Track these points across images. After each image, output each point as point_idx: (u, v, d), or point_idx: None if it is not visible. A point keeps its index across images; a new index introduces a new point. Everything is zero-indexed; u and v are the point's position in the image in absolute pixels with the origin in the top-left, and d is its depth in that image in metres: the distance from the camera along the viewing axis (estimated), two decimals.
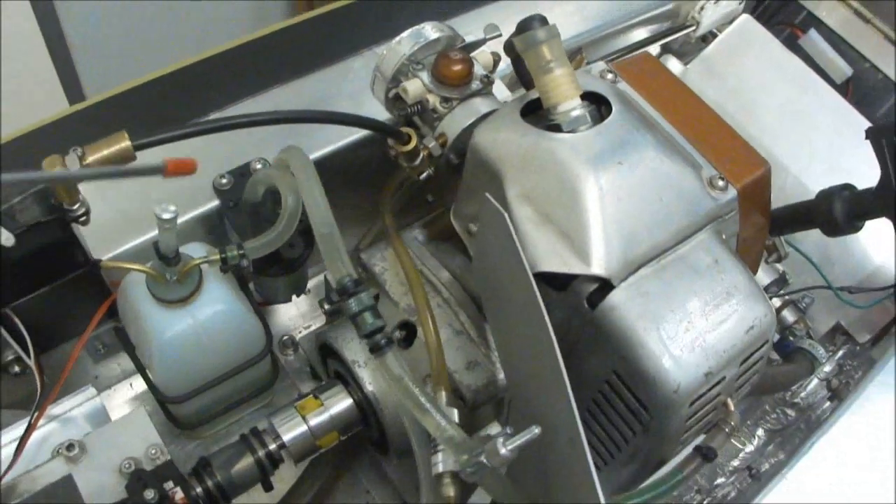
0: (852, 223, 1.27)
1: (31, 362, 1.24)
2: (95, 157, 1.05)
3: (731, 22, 1.85)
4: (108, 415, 1.29)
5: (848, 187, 1.28)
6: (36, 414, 1.21)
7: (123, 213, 1.26)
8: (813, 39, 1.96)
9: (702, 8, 1.84)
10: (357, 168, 1.39)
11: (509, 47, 1.23)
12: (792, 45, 1.93)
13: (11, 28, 2.76)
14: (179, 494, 1.07)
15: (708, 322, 1.07)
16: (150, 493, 1.04)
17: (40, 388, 1.24)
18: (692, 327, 1.06)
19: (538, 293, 0.97)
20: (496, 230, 1.04)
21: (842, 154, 1.36)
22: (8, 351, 1.36)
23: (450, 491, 1.03)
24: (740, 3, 1.88)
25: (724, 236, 1.16)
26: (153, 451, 1.11)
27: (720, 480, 1.49)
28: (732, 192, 1.16)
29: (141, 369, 1.29)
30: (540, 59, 1.14)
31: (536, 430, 0.91)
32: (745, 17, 1.86)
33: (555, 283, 1.08)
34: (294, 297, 1.41)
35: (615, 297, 1.07)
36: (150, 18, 3.12)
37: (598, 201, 1.07)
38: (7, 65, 2.76)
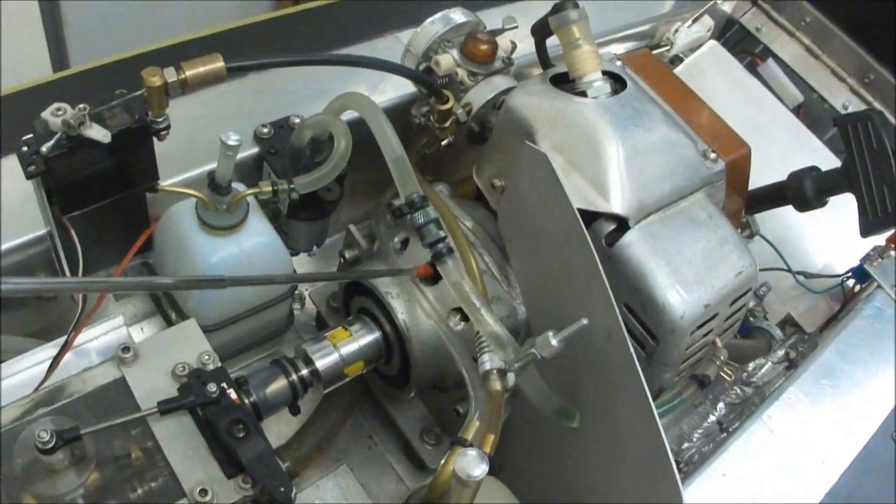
0: (820, 198, 1.47)
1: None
2: (192, 73, 1.16)
3: (698, 46, 2.04)
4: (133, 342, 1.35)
5: (815, 168, 1.48)
6: (74, 332, 1.28)
7: (166, 150, 1.32)
8: (770, 68, 2.18)
9: (676, 30, 2.03)
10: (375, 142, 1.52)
11: (537, 29, 1.42)
12: (752, 71, 2.14)
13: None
14: (234, 395, 1.14)
15: (706, 263, 1.25)
16: (212, 387, 1.11)
17: (82, 306, 1.30)
18: (694, 266, 1.24)
19: (577, 213, 1.11)
20: (536, 170, 1.18)
21: (794, 164, 1.53)
22: (41, 274, 1.44)
23: (497, 385, 1.14)
24: (708, 31, 2.08)
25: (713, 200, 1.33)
26: (206, 357, 1.17)
27: (686, 445, 1.63)
28: (721, 165, 1.35)
29: (172, 302, 1.40)
30: (571, 36, 1.33)
31: (584, 321, 1.05)
32: (713, 42, 2.06)
33: None
34: (315, 247, 1.51)
35: (630, 236, 1.23)
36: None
37: (618, 154, 1.25)
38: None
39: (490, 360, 1.15)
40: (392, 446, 1.56)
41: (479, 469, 0.92)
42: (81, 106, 1.13)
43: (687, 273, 1.22)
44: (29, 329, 1.50)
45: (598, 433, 1.17)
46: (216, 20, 1.85)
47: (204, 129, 1.47)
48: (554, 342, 1.06)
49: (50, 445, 1.01)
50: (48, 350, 1.30)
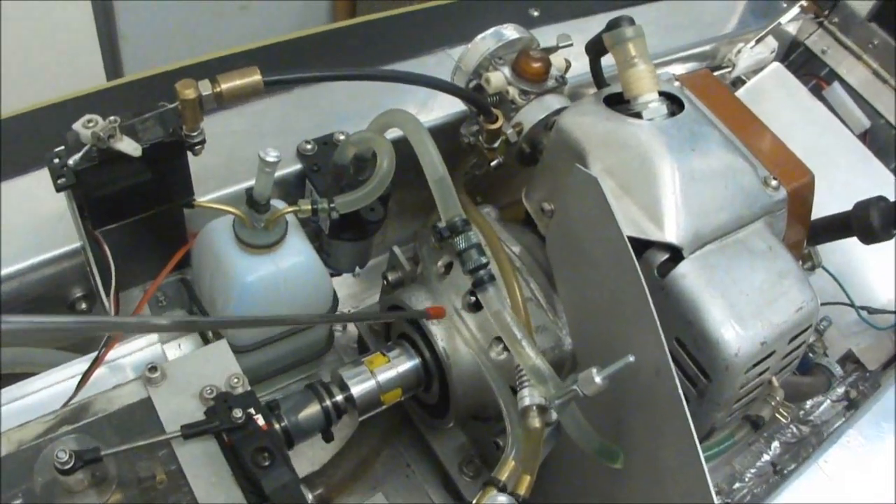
0: (887, 230, 1.39)
1: (111, 294, 1.26)
2: (227, 86, 1.12)
3: (761, 69, 1.97)
4: (167, 360, 1.31)
5: (883, 199, 1.40)
6: (104, 348, 1.25)
7: (205, 165, 1.29)
8: (836, 92, 2.09)
9: (738, 51, 1.96)
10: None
11: (591, 46, 1.37)
12: (817, 95, 2.06)
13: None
14: (262, 421, 1.09)
15: (764, 297, 1.18)
16: (237, 413, 1.07)
17: None
18: (751, 300, 1.17)
19: (628, 241, 1.05)
20: (586, 194, 1.13)
21: (860, 193, 1.46)
22: (76, 287, 1.42)
23: (536, 423, 1.09)
24: (772, 53, 2.01)
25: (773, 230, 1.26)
26: (235, 381, 1.13)
27: (738, 485, 1.56)
28: (783, 193, 1.28)
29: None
30: (627, 54, 1.27)
31: (630, 358, 0.99)
32: (777, 64, 1.98)
33: None
34: (357, 268, 1.47)
35: (684, 267, 1.17)
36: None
37: (673, 179, 1.18)
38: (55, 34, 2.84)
39: (530, 396, 1.10)
40: (430, 476, 1.51)
41: None
42: (112, 118, 1.10)
43: (743, 307, 1.16)
44: (66, 342, 1.46)
45: (641, 475, 1.10)
46: (272, 32, 1.82)
47: (246, 145, 1.44)
48: (598, 379, 1.00)
49: (69, 466, 0.98)
50: (81, 365, 1.27)
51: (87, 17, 2.89)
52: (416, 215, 1.66)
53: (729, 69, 1.98)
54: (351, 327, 1.59)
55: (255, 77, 1.15)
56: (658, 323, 1.00)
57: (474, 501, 1.03)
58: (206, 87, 1.12)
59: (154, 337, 1.34)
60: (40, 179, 1.34)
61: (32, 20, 2.78)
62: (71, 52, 2.91)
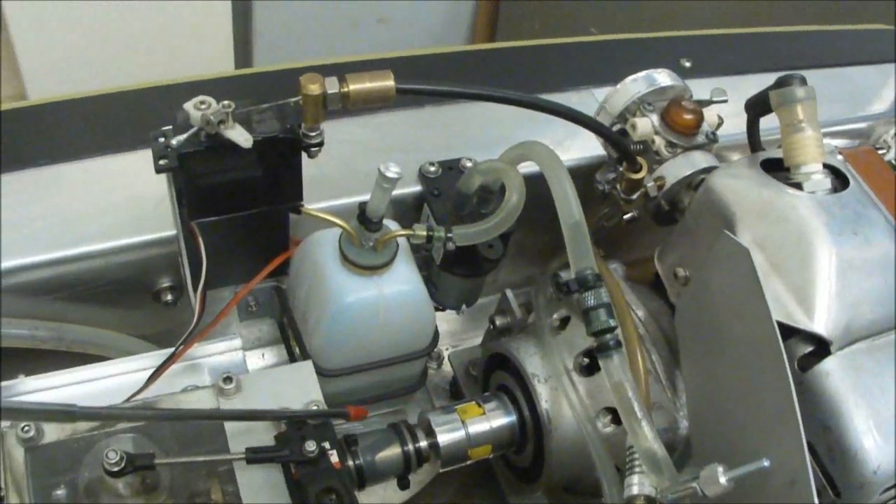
0: None
1: (199, 290, 1.19)
2: (356, 87, 1.03)
3: None
4: (246, 369, 1.24)
5: None
6: (182, 346, 1.18)
7: (318, 171, 1.23)
8: None
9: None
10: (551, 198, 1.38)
11: (753, 104, 1.26)
12: None
13: None
14: (335, 458, 1.00)
15: None
16: (310, 445, 0.98)
17: (196, 320, 1.20)
18: None
19: (776, 325, 0.93)
20: (733, 266, 1.02)
21: None
22: (164, 277, 1.35)
23: None
24: None
25: None
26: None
27: None
28: None
29: (297, 335, 1.27)
30: (793, 116, 1.16)
31: (765, 462, 0.87)
32: None
33: None
34: (465, 306, 1.37)
35: (829, 364, 1.04)
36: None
37: (831, 264, 1.07)
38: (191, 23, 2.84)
39: (639, 484, 0.99)
40: None
41: None
42: (226, 102, 1.02)
43: (889, 419, 1.02)
44: (145, 331, 1.42)
45: None
46: (408, 49, 1.77)
47: (365, 156, 1.37)
48: (723, 480, 0.88)
49: (118, 469, 0.92)
50: (153, 359, 1.21)
51: (225, 14, 2.89)
52: (533, 260, 1.57)
53: (884, 151, 1.83)
54: (447, 367, 1.49)
55: (388, 82, 1.06)
56: (801, 427, 0.88)
57: None
58: (332, 85, 1.03)
59: (237, 342, 1.27)
60: (145, 159, 1.30)
61: (173, 6, 2.79)
62: (204, 44, 2.92)
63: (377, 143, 1.42)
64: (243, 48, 3.03)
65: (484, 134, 1.46)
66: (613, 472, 1.08)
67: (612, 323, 1.04)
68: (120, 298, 1.35)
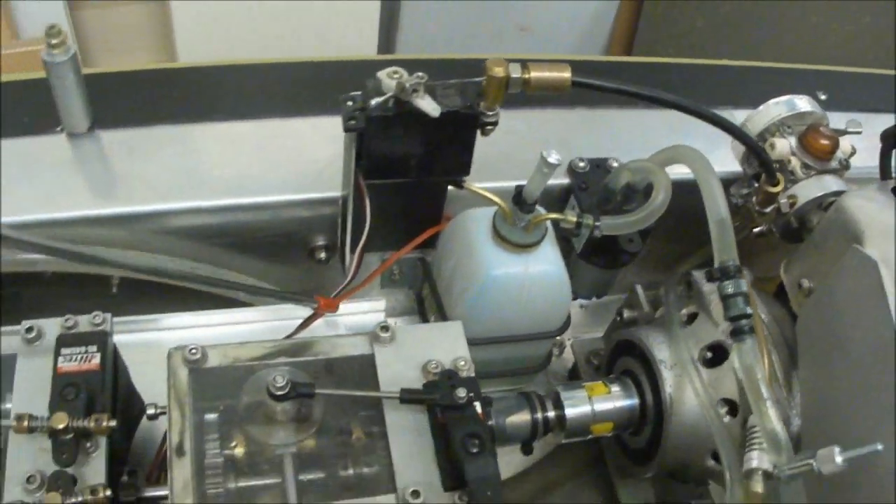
0: None
1: (359, 248, 1.30)
2: (536, 75, 1.13)
3: None
4: None
5: None
6: (333, 299, 1.29)
7: (479, 153, 1.31)
8: None
9: None
10: (684, 209, 1.45)
11: (889, 134, 1.32)
12: None
13: None
14: (479, 409, 1.07)
15: None
16: (461, 392, 1.05)
17: (351, 277, 1.32)
18: None
19: None
20: (860, 278, 1.09)
21: None
22: (320, 236, 1.46)
23: (759, 487, 1.04)
24: None
25: None
26: (462, 363, 1.12)
27: None
28: None
29: (439, 305, 1.35)
30: None
31: (879, 446, 0.94)
32: None
33: None
34: (595, 297, 1.45)
35: None
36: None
37: None
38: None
39: (759, 459, 1.06)
40: None
41: None
42: (420, 74, 1.12)
43: None
44: (293, 287, 1.51)
45: None
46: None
47: (522, 146, 1.44)
48: (838, 459, 0.95)
49: (282, 393, 0.99)
50: (301, 310, 1.32)
51: (374, 8, 2.99)
52: (657, 267, 1.64)
53: None
54: (567, 354, 1.57)
55: (565, 74, 1.15)
56: None
57: None
58: (516, 70, 1.13)
59: (381, 304, 1.36)
60: (314, 126, 1.40)
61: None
62: (349, 34, 3.02)
63: (531, 135, 1.51)
64: (385, 44, 3.11)
65: (629, 139, 1.55)
66: (733, 450, 1.15)
67: (749, 310, 1.12)
68: (277, 251, 1.46)
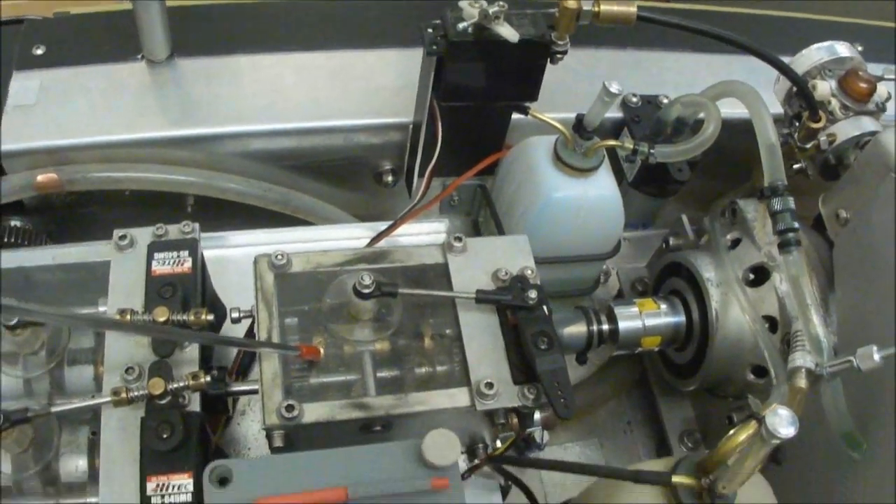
0: None
1: (429, 169, 1.38)
2: (605, 8, 1.23)
3: None
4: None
5: None
6: (398, 221, 1.36)
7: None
8: None
9: None
10: (726, 147, 1.52)
11: None
12: None
13: None
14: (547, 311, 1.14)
15: None
16: (532, 294, 1.12)
17: (420, 196, 1.39)
18: None
19: None
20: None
21: None
22: (388, 161, 1.54)
23: (802, 383, 1.12)
24: None
25: None
26: (529, 272, 1.17)
27: None
28: None
29: (499, 225, 1.44)
30: None
31: None
32: None
33: None
34: (641, 227, 1.54)
35: None
36: None
37: None
38: None
39: (803, 358, 1.14)
40: (647, 440, 1.57)
41: (788, 429, 0.90)
42: (501, 2, 1.20)
43: None
44: (358, 211, 1.59)
45: (877, 472, 1.14)
46: None
47: (576, 80, 1.54)
48: (877, 357, 1.05)
49: (368, 290, 1.05)
50: (364, 230, 1.38)
51: None
52: (696, 206, 1.69)
53: None
54: (612, 282, 1.64)
55: (632, 9, 1.24)
56: None
57: (732, 432, 1.05)
58: (587, 3, 1.22)
59: (444, 225, 1.41)
60: (383, 59, 1.49)
61: None
62: None
63: (587, 71, 1.60)
64: None
65: (675, 79, 1.63)
66: (778, 356, 1.25)
67: (796, 225, 1.22)
68: (345, 175, 1.55)
